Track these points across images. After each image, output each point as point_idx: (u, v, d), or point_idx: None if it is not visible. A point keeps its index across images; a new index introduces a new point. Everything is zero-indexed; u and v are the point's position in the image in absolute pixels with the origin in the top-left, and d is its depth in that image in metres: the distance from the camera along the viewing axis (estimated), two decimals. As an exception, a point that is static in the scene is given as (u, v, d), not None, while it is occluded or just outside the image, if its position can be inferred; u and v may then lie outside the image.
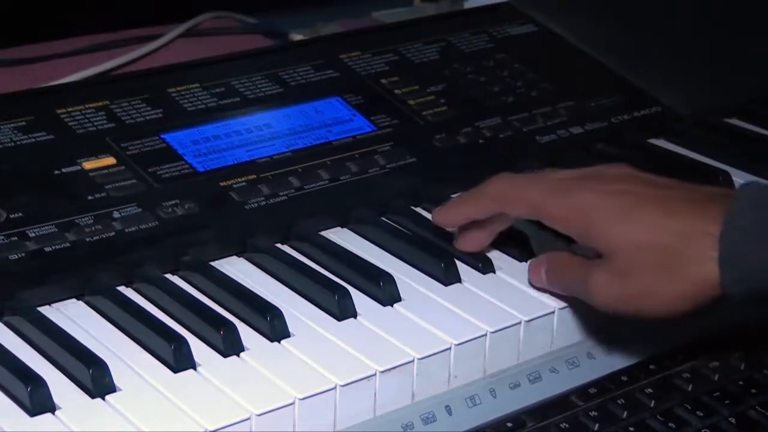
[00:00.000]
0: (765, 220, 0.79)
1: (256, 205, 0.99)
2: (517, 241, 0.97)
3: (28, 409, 0.78)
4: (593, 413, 0.86)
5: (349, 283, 0.92)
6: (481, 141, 1.12)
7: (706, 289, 0.81)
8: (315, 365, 0.83)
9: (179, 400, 0.79)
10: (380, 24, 1.42)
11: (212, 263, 0.94)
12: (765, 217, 0.79)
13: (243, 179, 1.01)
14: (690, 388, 0.89)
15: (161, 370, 0.82)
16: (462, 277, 0.93)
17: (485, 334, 0.88)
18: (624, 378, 0.90)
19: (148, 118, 1.05)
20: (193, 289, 0.92)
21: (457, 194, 0.98)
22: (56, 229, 0.92)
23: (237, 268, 0.95)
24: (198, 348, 0.84)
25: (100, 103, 1.06)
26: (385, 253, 0.97)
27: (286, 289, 0.92)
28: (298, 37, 1.37)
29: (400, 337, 0.86)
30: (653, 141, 1.19)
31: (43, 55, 1.31)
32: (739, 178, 1.12)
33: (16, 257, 0.90)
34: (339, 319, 0.89)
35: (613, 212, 0.84)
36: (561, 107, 1.18)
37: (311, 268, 0.94)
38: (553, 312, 0.91)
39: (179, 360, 0.82)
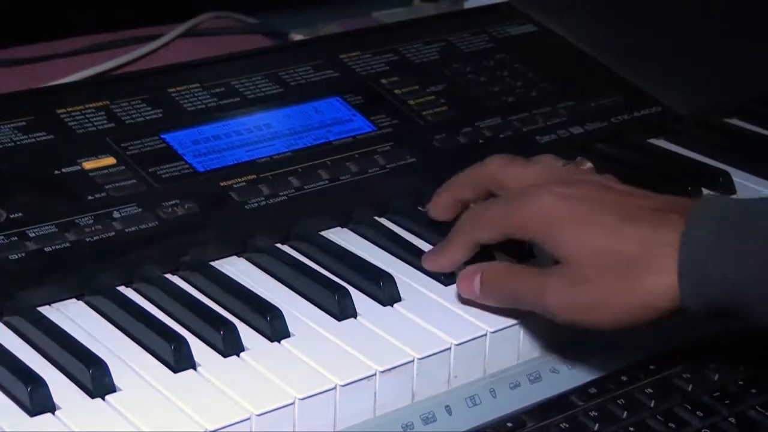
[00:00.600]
0: (724, 234, 0.77)
1: (256, 205, 0.99)
2: (517, 242, 0.96)
3: (28, 409, 0.78)
4: (593, 413, 0.86)
5: (349, 283, 0.92)
6: (481, 141, 1.12)
7: (663, 301, 0.79)
8: (315, 365, 0.83)
9: (179, 400, 0.79)
10: (380, 24, 1.42)
11: (212, 263, 0.94)
12: (724, 230, 0.78)
13: (243, 179, 1.01)
14: (690, 388, 0.89)
15: (161, 370, 0.82)
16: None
17: (485, 334, 0.88)
18: (624, 378, 0.90)
19: (148, 118, 1.05)
20: (193, 289, 0.92)
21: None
22: (56, 229, 0.92)
23: (237, 268, 0.95)
24: (198, 348, 0.84)
25: (100, 103, 1.06)
26: (385, 253, 0.97)
27: (286, 289, 0.92)
28: (298, 37, 1.37)
29: (400, 337, 0.86)
30: (653, 141, 1.20)
31: (43, 55, 1.31)
32: (739, 178, 1.12)
33: (16, 257, 0.90)
34: (339, 319, 0.89)
35: (573, 216, 0.83)
36: (561, 107, 1.18)
37: (311, 268, 0.94)
38: (553, 312, 0.91)
39: (179, 360, 0.82)
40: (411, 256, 0.96)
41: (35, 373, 0.79)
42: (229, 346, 0.84)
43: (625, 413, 0.86)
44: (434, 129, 1.11)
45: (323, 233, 0.99)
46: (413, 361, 0.85)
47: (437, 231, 0.97)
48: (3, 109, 1.03)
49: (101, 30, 1.36)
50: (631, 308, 0.80)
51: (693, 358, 0.92)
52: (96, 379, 0.79)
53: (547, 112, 1.17)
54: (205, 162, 1.02)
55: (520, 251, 0.93)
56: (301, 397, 0.80)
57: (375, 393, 0.83)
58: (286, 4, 1.49)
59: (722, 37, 1.32)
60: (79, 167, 0.99)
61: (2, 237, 0.90)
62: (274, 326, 0.86)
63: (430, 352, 0.85)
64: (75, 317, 0.88)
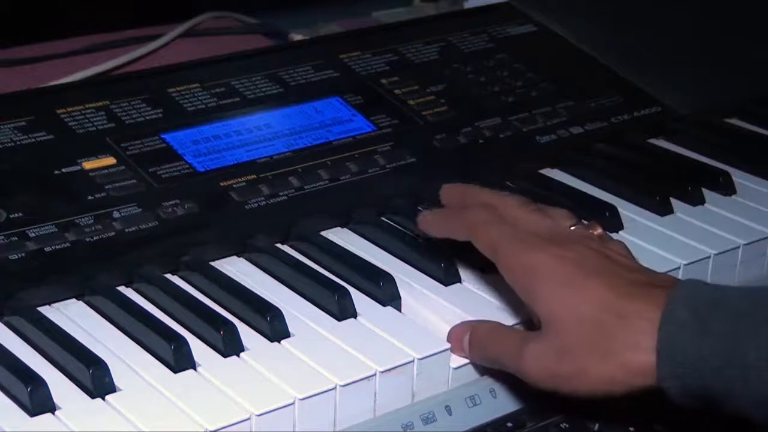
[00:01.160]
0: (702, 317, 0.76)
1: (256, 205, 0.99)
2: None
3: (28, 409, 0.78)
4: (593, 413, 0.86)
5: (349, 283, 0.92)
6: (481, 141, 1.12)
7: (639, 378, 0.78)
8: (315, 365, 0.83)
9: (179, 400, 0.79)
10: (380, 24, 1.41)
11: (212, 263, 0.94)
12: (702, 314, 0.77)
13: (243, 179, 1.01)
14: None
15: (161, 370, 0.82)
16: (462, 276, 0.93)
17: (485, 334, 0.88)
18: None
19: (148, 118, 1.05)
20: (193, 289, 0.92)
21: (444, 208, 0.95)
22: (56, 229, 0.92)
23: (237, 268, 0.95)
24: (198, 348, 0.84)
25: (100, 103, 1.06)
26: (385, 253, 0.97)
27: (286, 289, 0.92)
28: (298, 37, 1.37)
29: (400, 337, 0.86)
30: (653, 141, 1.20)
31: (43, 55, 1.31)
32: (739, 178, 1.12)
33: (16, 257, 0.90)
34: (339, 319, 0.89)
35: (557, 279, 0.82)
36: (561, 107, 1.18)
37: (311, 268, 0.94)
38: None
39: (179, 360, 0.82)
40: (411, 256, 0.96)
41: (35, 373, 0.79)
42: (229, 346, 0.84)
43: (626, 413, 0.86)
44: (434, 129, 1.11)
45: (323, 233, 0.99)
46: (413, 361, 0.85)
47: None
48: (3, 109, 1.03)
49: (101, 30, 1.36)
50: (608, 382, 0.79)
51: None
52: (96, 379, 0.79)
53: (547, 112, 1.17)
54: (205, 162, 1.02)
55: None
56: (301, 397, 0.80)
57: (375, 393, 0.83)
58: (286, 4, 1.49)
59: (722, 38, 1.32)
60: (79, 167, 0.99)
61: (2, 237, 0.91)
62: (274, 326, 0.86)
63: (430, 352, 0.85)
64: (75, 317, 0.88)
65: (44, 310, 0.88)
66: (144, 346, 0.85)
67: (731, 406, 0.76)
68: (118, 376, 0.80)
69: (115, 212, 0.95)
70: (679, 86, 1.24)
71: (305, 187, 1.02)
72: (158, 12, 1.41)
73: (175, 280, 0.93)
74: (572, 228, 0.88)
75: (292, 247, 0.98)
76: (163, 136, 1.03)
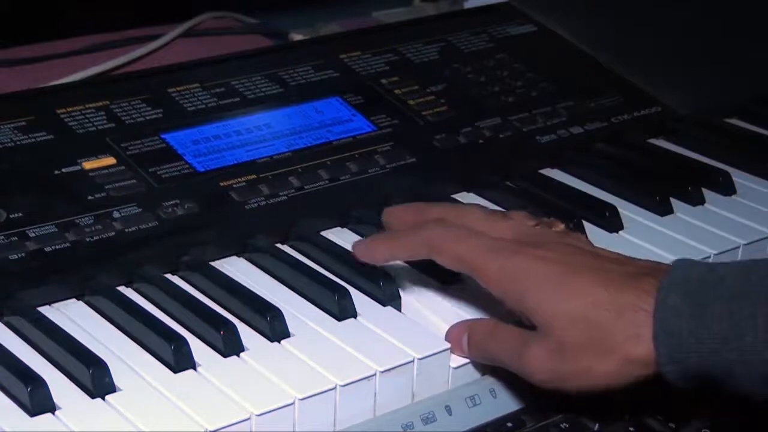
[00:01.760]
0: (696, 300, 0.77)
1: (256, 205, 0.99)
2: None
3: (28, 409, 0.78)
4: (594, 413, 0.86)
5: (349, 283, 0.92)
6: (481, 141, 1.12)
7: (641, 368, 0.78)
8: (315, 365, 0.83)
9: (179, 400, 0.79)
10: (380, 24, 1.41)
11: (212, 263, 0.94)
12: (696, 297, 0.77)
13: (243, 179, 1.01)
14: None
15: (161, 370, 0.82)
16: (462, 276, 0.93)
17: (485, 334, 0.88)
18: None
19: (148, 118, 1.05)
20: (193, 289, 0.92)
21: (383, 231, 0.93)
22: (56, 229, 0.92)
23: (237, 268, 0.95)
24: (198, 348, 0.84)
25: (100, 103, 1.06)
26: (385, 253, 0.97)
27: (286, 289, 0.92)
28: (298, 37, 1.37)
29: (400, 337, 0.86)
30: (653, 141, 1.20)
31: (43, 55, 1.31)
32: (739, 178, 1.12)
33: (16, 257, 0.90)
34: (339, 319, 0.89)
35: (547, 280, 0.81)
36: (561, 107, 1.18)
37: (311, 268, 0.94)
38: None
39: (179, 360, 0.82)
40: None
41: (35, 373, 0.79)
42: (229, 346, 0.84)
43: (626, 415, 0.86)
44: (434, 129, 1.11)
45: (323, 233, 0.99)
46: (413, 361, 0.85)
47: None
48: (3, 109, 1.03)
49: (101, 30, 1.36)
50: (610, 375, 0.79)
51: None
52: (96, 379, 0.79)
53: (547, 112, 1.17)
54: (205, 162, 1.02)
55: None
56: (301, 397, 0.80)
57: (375, 393, 0.83)
58: (286, 4, 1.49)
59: (722, 38, 1.32)
60: (79, 167, 0.99)
61: (2, 237, 0.91)
62: (274, 326, 0.86)
63: (430, 352, 0.85)
64: (75, 317, 0.88)
65: (44, 310, 0.88)
66: (144, 346, 0.85)
67: (731, 385, 0.77)
68: (118, 376, 0.80)
69: (115, 212, 0.95)
70: (679, 86, 1.24)
71: (305, 187, 1.02)
72: (158, 12, 1.41)
73: (175, 280, 0.93)
74: (536, 227, 0.88)
75: (292, 247, 0.98)
76: (163, 136, 1.03)
